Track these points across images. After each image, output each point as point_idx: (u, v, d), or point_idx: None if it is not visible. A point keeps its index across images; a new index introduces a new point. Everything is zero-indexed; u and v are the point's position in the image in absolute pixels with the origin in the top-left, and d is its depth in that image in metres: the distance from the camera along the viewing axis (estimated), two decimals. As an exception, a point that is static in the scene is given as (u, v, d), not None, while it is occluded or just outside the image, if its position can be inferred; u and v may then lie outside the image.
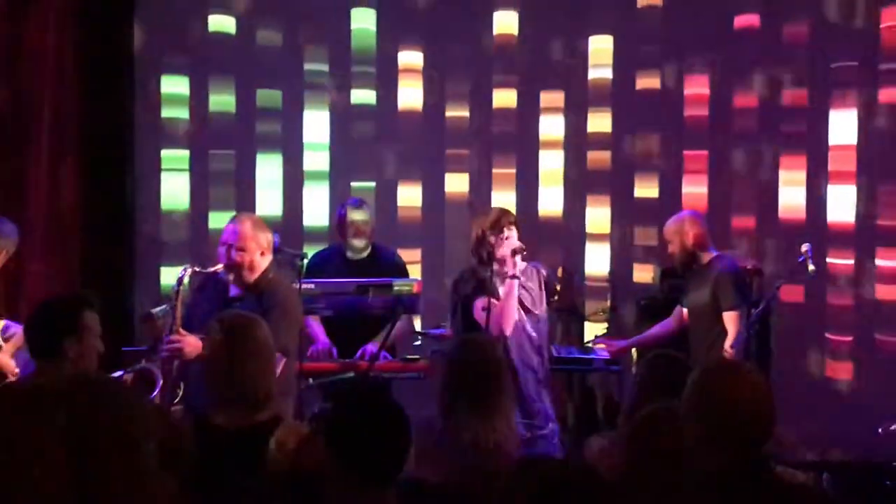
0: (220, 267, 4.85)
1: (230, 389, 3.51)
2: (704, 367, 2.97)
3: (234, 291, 4.90)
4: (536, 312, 5.36)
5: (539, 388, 5.32)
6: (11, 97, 6.98)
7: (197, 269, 4.92)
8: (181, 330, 4.68)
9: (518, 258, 5.29)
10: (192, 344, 4.58)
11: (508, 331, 5.27)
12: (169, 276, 6.99)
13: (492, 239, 5.31)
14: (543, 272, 5.48)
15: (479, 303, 5.31)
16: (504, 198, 7.55)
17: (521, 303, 5.31)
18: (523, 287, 5.33)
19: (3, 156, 6.94)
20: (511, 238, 5.32)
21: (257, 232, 4.85)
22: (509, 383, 4.09)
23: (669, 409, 2.97)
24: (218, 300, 4.88)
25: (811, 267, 5.66)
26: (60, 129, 7.17)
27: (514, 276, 5.27)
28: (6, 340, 5.26)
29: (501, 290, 5.33)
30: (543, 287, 5.39)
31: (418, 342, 6.34)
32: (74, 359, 3.76)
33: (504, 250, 5.28)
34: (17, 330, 5.19)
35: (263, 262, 4.86)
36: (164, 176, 7.57)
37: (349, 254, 6.08)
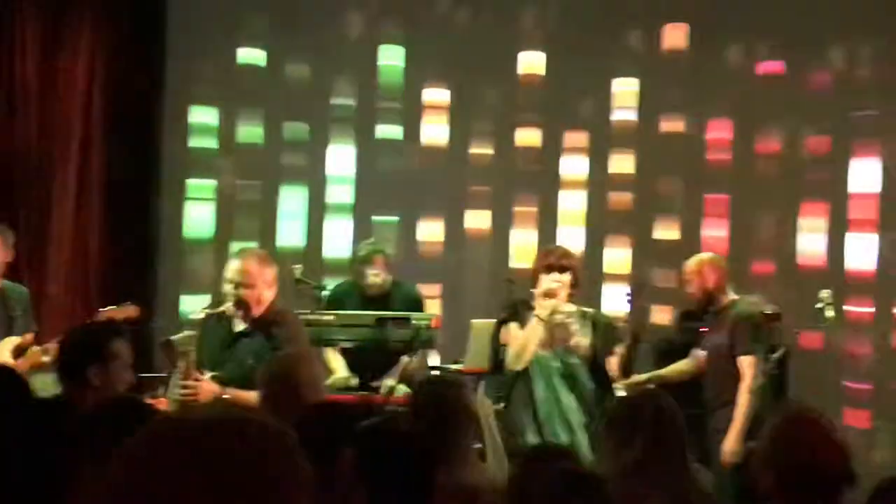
0: (229, 306, 4.89)
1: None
2: (784, 416, 2.95)
3: (239, 325, 4.94)
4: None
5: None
6: (41, 124, 7.09)
7: (209, 311, 4.96)
8: (197, 375, 4.75)
9: (555, 301, 5.19)
10: (207, 390, 4.64)
11: (519, 367, 5.22)
12: (190, 304, 7.05)
13: (542, 278, 5.28)
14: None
15: (513, 329, 5.30)
16: (524, 236, 7.60)
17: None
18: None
19: (31, 181, 7.05)
20: (556, 280, 5.27)
21: (263, 268, 4.88)
22: (468, 427, 3.76)
23: None
24: (224, 335, 4.92)
25: (830, 314, 5.65)
26: (88, 158, 7.28)
27: (538, 318, 5.19)
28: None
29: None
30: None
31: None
32: (99, 386, 3.80)
33: (538, 290, 5.29)
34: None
35: (270, 295, 4.90)
36: (188, 205, 7.65)
37: (369, 290, 6.12)
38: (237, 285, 4.83)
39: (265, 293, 4.86)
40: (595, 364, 5.26)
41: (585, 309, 5.35)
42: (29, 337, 5.62)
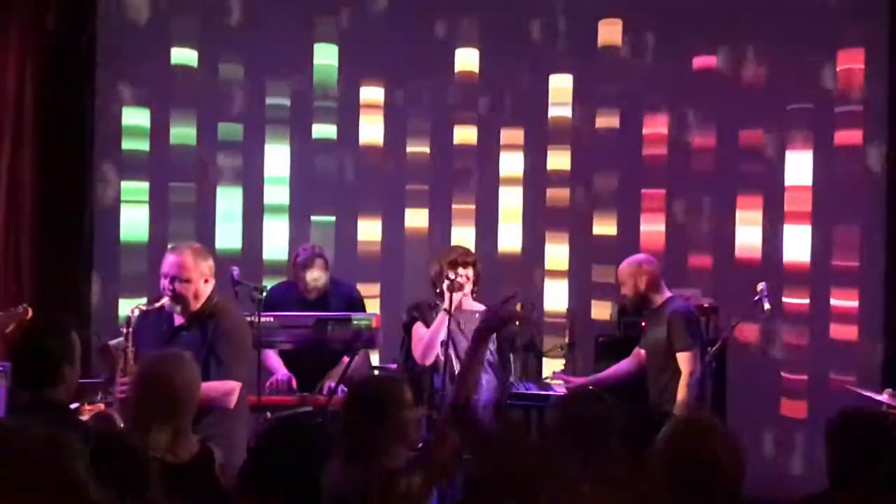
0: (165, 300, 4.83)
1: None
2: (675, 421, 2.98)
3: (178, 320, 4.88)
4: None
5: None
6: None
7: (143, 308, 4.88)
8: (134, 370, 4.68)
9: (458, 295, 5.37)
10: None
11: (428, 361, 5.44)
12: (126, 308, 6.93)
13: (448, 274, 5.40)
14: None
15: (418, 328, 5.55)
16: (463, 233, 7.59)
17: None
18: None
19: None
20: (465, 276, 5.41)
21: (199, 261, 4.82)
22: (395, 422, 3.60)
23: None
24: (162, 330, 4.86)
25: (767, 306, 5.71)
26: (19, 160, 7.14)
27: (446, 311, 5.37)
28: None
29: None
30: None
31: (376, 376, 6.32)
32: (68, 385, 3.72)
33: (445, 283, 5.40)
34: None
35: (207, 289, 4.84)
36: (123, 207, 7.53)
37: (308, 294, 6.08)
38: (172, 279, 4.77)
39: (202, 287, 4.80)
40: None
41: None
42: None
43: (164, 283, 4.81)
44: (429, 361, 5.46)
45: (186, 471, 3.45)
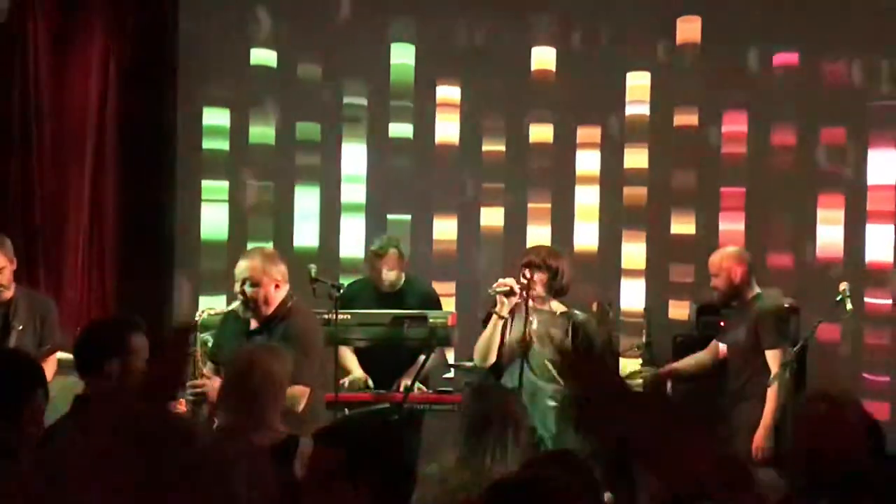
0: (236, 304, 4.92)
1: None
2: (808, 398, 2.96)
3: (254, 325, 4.95)
4: None
5: None
6: (55, 128, 7.11)
7: (211, 311, 4.99)
8: (206, 372, 4.77)
9: (512, 300, 5.33)
10: (216, 387, 4.64)
11: (486, 363, 5.40)
12: (206, 305, 7.03)
13: (523, 273, 5.36)
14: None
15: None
16: (539, 232, 7.57)
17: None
18: None
19: (47, 181, 7.06)
20: (529, 279, 5.34)
21: (269, 265, 4.90)
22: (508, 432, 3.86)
23: None
24: (239, 335, 4.94)
25: (849, 306, 5.62)
26: (102, 160, 7.28)
27: (499, 315, 5.35)
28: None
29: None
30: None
31: (450, 374, 6.34)
32: (117, 380, 3.79)
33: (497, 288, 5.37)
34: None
35: (279, 294, 4.91)
36: (203, 206, 7.64)
37: (382, 286, 6.10)
38: (244, 283, 4.86)
39: (272, 291, 4.87)
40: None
41: (568, 310, 5.44)
42: (51, 348, 5.61)
43: (236, 286, 4.91)
44: (488, 363, 5.40)
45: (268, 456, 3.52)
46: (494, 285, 5.37)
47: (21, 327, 5.48)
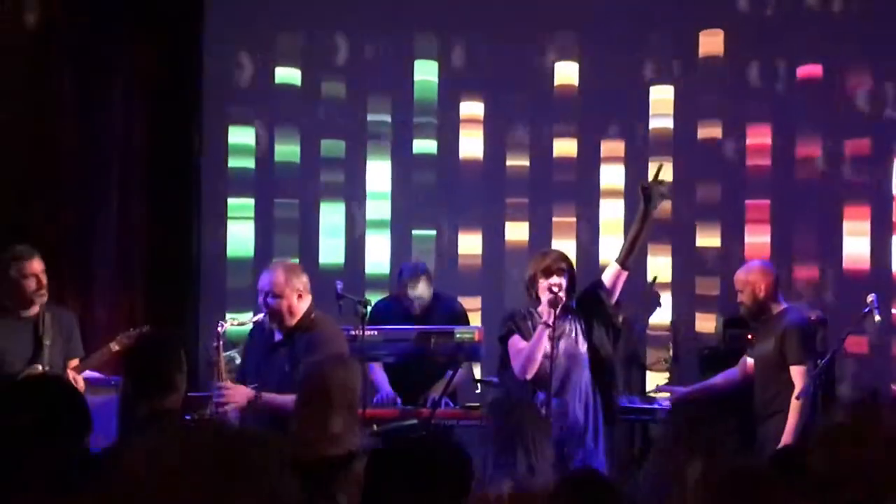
0: (259, 316, 4.98)
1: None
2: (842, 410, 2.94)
3: (278, 336, 4.99)
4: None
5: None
6: (82, 145, 7.17)
7: (233, 322, 5.05)
8: (228, 381, 4.86)
9: (560, 307, 5.27)
10: (239, 393, 4.77)
11: (529, 375, 5.32)
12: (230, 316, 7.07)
13: (541, 282, 5.34)
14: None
15: (516, 341, 5.41)
16: (564, 246, 7.56)
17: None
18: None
19: (71, 201, 7.12)
20: (559, 286, 5.31)
21: (291, 277, 4.95)
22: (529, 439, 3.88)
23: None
24: (264, 347, 4.99)
25: (877, 318, 5.60)
26: (128, 179, 7.34)
27: (545, 324, 5.28)
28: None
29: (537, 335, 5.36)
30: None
31: (478, 390, 6.34)
32: (181, 394, 3.83)
33: (543, 298, 5.31)
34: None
35: (302, 305, 4.95)
36: (229, 224, 7.68)
37: (413, 309, 6.10)
38: (266, 295, 4.90)
39: (296, 302, 4.91)
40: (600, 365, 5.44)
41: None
42: (74, 362, 5.67)
43: (260, 299, 4.95)
44: (529, 375, 5.33)
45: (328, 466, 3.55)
46: (548, 299, 5.29)
47: (49, 342, 5.54)
